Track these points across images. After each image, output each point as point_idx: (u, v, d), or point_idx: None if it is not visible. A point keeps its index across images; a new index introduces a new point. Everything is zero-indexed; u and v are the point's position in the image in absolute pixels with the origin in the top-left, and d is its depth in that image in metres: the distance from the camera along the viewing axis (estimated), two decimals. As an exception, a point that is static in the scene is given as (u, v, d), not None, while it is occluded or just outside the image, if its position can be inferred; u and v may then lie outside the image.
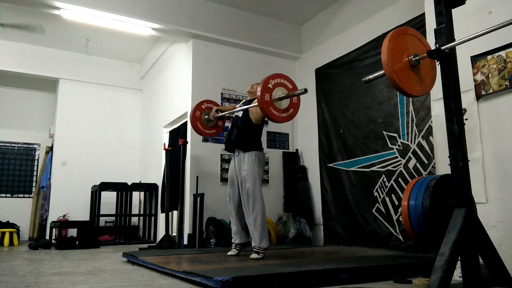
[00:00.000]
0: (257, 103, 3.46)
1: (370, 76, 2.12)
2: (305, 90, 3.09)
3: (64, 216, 6.68)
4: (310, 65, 5.82)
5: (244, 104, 3.76)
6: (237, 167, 3.59)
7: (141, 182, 6.95)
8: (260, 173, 3.51)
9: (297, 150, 5.90)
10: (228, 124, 4.39)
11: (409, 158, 4.11)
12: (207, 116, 4.13)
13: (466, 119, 2.59)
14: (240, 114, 3.67)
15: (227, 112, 4.11)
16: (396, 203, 4.21)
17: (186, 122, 5.60)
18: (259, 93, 3.05)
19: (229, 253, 3.63)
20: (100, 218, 6.51)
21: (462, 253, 1.82)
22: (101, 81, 7.47)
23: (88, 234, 5.69)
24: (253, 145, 3.53)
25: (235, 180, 3.62)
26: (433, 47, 1.96)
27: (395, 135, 4.29)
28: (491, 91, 2.52)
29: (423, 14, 3.19)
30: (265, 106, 3.05)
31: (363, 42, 4.82)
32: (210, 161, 5.28)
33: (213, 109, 4.12)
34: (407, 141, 4.15)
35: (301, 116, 5.96)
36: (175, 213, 5.71)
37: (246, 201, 3.44)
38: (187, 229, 5.07)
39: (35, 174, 7.72)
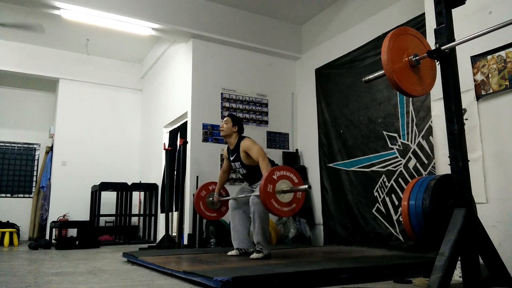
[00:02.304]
0: (243, 152, 3.54)
1: (370, 76, 2.11)
2: (309, 187, 3.03)
3: (64, 216, 6.68)
4: (310, 65, 5.82)
5: (230, 153, 3.77)
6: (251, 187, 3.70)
7: (141, 182, 6.95)
8: None
9: (297, 150, 5.90)
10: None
11: (409, 158, 4.11)
12: (211, 198, 4.01)
13: (466, 119, 2.59)
14: (243, 171, 3.68)
15: (221, 184, 4.00)
16: (396, 203, 4.21)
17: (186, 122, 5.60)
18: (263, 182, 2.97)
19: (229, 253, 3.62)
20: (100, 218, 6.51)
21: (462, 253, 1.82)
22: (101, 81, 7.48)
23: (88, 234, 5.69)
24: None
25: (245, 188, 3.71)
26: (433, 47, 1.96)
27: (395, 135, 4.29)
28: (491, 91, 2.52)
29: (423, 14, 3.19)
30: (267, 198, 2.96)
31: (363, 42, 4.82)
32: (210, 161, 5.28)
33: (215, 194, 3.98)
34: (407, 141, 4.15)
35: (301, 116, 5.98)
36: (175, 213, 5.72)
37: (253, 205, 3.43)
38: (187, 229, 5.07)
39: (35, 174, 7.73)
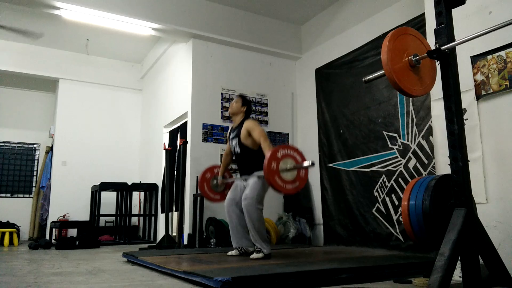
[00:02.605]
0: (245, 130, 3.53)
1: (370, 76, 2.11)
2: (312, 164, 3.04)
3: (64, 216, 6.68)
4: (310, 65, 5.82)
5: (232, 131, 3.77)
6: (243, 183, 3.65)
7: (141, 182, 6.96)
8: (263, 189, 3.49)
9: (297, 150, 5.90)
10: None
11: (409, 158, 4.11)
12: (216, 182, 4.00)
13: (466, 119, 2.59)
14: (238, 150, 3.65)
15: (225, 167, 4.00)
16: (396, 203, 4.21)
17: (186, 122, 5.60)
18: (267, 161, 2.98)
19: (229, 253, 3.62)
20: (100, 218, 6.52)
21: (462, 253, 1.82)
22: (101, 81, 7.48)
23: (88, 234, 5.69)
24: (258, 167, 3.45)
25: (240, 187, 3.67)
26: (433, 47, 1.96)
27: (395, 135, 4.29)
28: (491, 91, 2.52)
29: (423, 14, 3.19)
30: (271, 175, 2.97)
31: (363, 42, 4.82)
32: (210, 161, 5.25)
33: (219, 177, 3.97)
34: (407, 141, 4.16)
35: (301, 116, 5.98)
36: (175, 213, 5.71)
37: (245, 207, 3.41)
38: (187, 229, 5.07)
39: (35, 174, 7.73)
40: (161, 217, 6.32)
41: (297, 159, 3.13)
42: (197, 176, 5.06)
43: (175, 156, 5.79)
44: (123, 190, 6.71)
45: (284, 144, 3.25)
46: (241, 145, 3.60)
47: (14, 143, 7.65)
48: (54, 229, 6.35)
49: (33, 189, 7.57)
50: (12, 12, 5.70)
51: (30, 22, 5.96)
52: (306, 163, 3.07)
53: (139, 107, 7.86)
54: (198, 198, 4.90)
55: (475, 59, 2.62)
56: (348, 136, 4.93)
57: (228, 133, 3.91)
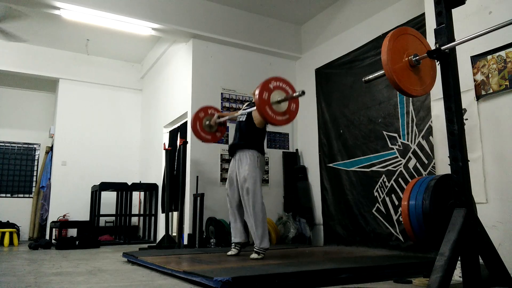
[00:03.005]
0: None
1: (370, 76, 2.11)
2: (303, 92, 3.07)
3: (64, 216, 6.68)
4: (310, 65, 5.82)
5: (249, 106, 3.77)
6: (237, 167, 3.58)
7: (141, 182, 6.95)
8: (260, 175, 3.51)
9: (297, 150, 5.90)
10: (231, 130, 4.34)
11: (409, 158, 4.11)
12: (208, 122, 4.06)
13: (466, 119, 2.59)
14: (243, 118, 3.66)
15: (228, 117, 4.08)
16: (396, 203, 4.21)
17: (186, 122, 5.60)
18: (258, 91, 3.03)
19: (229, 253, 3.62)
20: (100, 218, 6.51)
21: (462, 253, 1.82)
22: (101, 81, 7.48)
23: (88, 234, 5.69)
24: (255, 147, 3.53)
25: (234, 180, 3.62)
26: (433, 47, 1.96)
27: (395, 135, 4.29)
28: (491, 91, 2.52)
29: (423, 14, 3.19)
30: (262, 104, 3.03)
31: (363, 42, 4.82)
32: (210, 161, 5.28)
33: (215, 115, 4.04)
34: (407, 141, 4.15)
35: (301, 116, 5.96)
36: (175, 213, 5.71)
37: (246, 201, 3.44)
38: (187, 229, 5.07)
39: (35, 174, 7.73)
40: (161, 217, 6.31)
41: (288, 91, 3.20)
42: (197, 176, 5.07)
43: (175, 156, 5.79)
44: (123, 190, 6.71)
45: (275, 76, 3.29)
46: (248, 116, 3.61)
47: (14, 143, 7.65)
48: (54, 229, 6.35)
49: (33, 189, 7.57)
50: (12, 12, 5.70)
51: (30, 22, 5.96)
52: (296, 93, 3.13)
53: (139, 107, 7.86)
54: (198, 198, 4.90)
55: (475, 59, 2.62)
56: (348, 136, 4.93)
57: (244, 105, 3.97)
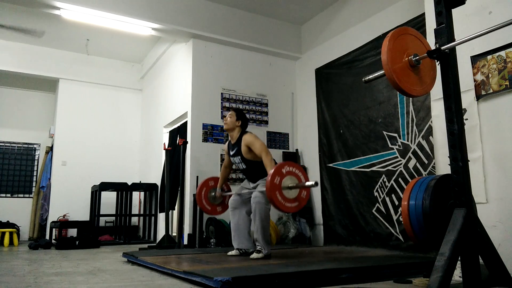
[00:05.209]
0: (245, 146, 3.51)
1: (370, 76, 2.11)
2: (316, 183, 2.97)
3: (64, 216, 6.68)
4: (310, 65, 5.82)
5: (230, 148, 3.73)
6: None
7: (141, 182, 6.95)
8: None
9: (297, 150, 5.90)
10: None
11: (409, 158, 4.11)
12: (213, 194, 3.96)
13: (466, 119, 2.59)
14: (243, 166, 3.64)
15: (224, 179, 3.97)
16: (396, 203, 4.21)
17: (186, 122, 5.60)
18: (271, 174, 2.95)
19: (229, 253, 3.62)
20: (100, 218, 6.51)
21: (462, 253, 1.82)
22: (101, 81, 7.47)
23: (88, 234, 5.69)
24: (263, 173, 3.47)
25: (246, 187, 3.70)
26: (433, 47, 1.96)
27: (395, 135, 4.29)
28: (491, 91, 2.52)
29: (423, 14, 3.19)
30: (272, 189, 2.92)
31: (363, 42, 4.82)
32: (210, 161, 5.28)
33: (218, 190, 3.93)
34: (407, 141, 4.16)
35: (301, 116, 5.98)
36: (175, 213, 5.71)
37: (254, 204, 3.43)
38: (187, 229, 5.07)
39: (35, 174, 7.73)
40: (161, 217, 6.31)
41: (301, 178, 3.07)
42: (197, 176, 5.07)
43: (175, 156, 5.79)
44: (123, 190, 6.71)
45: (289, 161, 3.22)
46: (245, 161, 3.59)
47: (14, 143, 7.65)
48: (54, 229, 6.35)
49: (33, 189, 7.57)
50: (12, 12, 5.69)
51: (30, 22, 5.95)
52: (309, 183, 3.01)
53: (139, 107, 7.86)
54: (198, 198, 4.90)
55: (475, 59, 2.62)
56: (348, 136, 4.93)
57: (226, 148, 3.86)
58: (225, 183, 4.01)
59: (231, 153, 3.72)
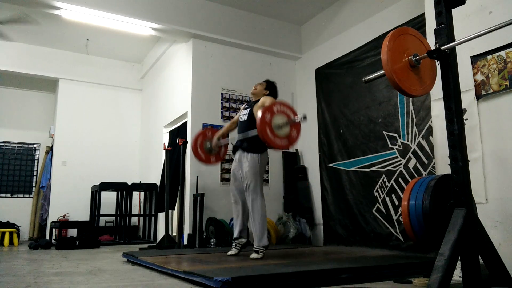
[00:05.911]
0: (260, 102, 3.53)
1: (370, 76, 2.11)
2: (304, 117, 3.09)
3: (64, 216, 6.68)
4: (310, 65, 5.82)
5: (249, 105, 3.75)
6: (239, 163, 3.61)
7: (141, 182, 6.95)
8: (261, 172, 3.53)
9: (297, 150, 5.90)
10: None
11: (409, 158, 4.11)
12: (209, 144, 3.95)
13: (466, 119, 2.59)
14: (245, 118, 3.65)
15: (226, 130, 3.97)
16: (396, 203, 4.21)
17: (186, 122, 5.60)
18: (261, 111, 3.03)
19: (229, 253, 3.62)
20: (100, 218, 6.51)
21: (462, 253, 1.82)
22: (101, 81, 7.47)
23: (88, 234, 5.69)
24: (256, 147, 3.51)
25: (238, 176, 3.64)
26: (433, 47, 1.96)
27: (395, 135, 4.29)
28: (491, 91, 2.52)
29: (423, 14, 3.19)
30: (263, 125, 3.03)
31: (363, 42, 4.82)
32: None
33: (214, 138, 3.92)
34: (407, 141, 4.15)
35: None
36: (175, 213, 5.71)
37: (247, 197, 3.48)
38: (187, 229, 5.07)
39: (35, 174, 7.72)
40: (161, 217, 6.31)
41: (290, 116, 3.20)
42: (197, 176, 5.07)
43: (175, 156, 5.78)
44: (123, 190, 6.71)
45: (281, 100, 3.31)
46: (250, 114, 3.58)
47: (14, 143, 7.65)
48: (54, 229, 6.35)
49: (33, 189, 7.57)
50: (11, 10, 5.69)
51: (30, 22, 5.96)
52: (298, 118, 3.14)
53: (139, 107, 7.86)
54: (198, 198, 4.90)
55: (475, 59, 2.62)
56: (348, 136, 4.93)
57: (243, 106, 3.89)
58: (223, 136, 3.99)
59: (246, 106, 3.76)
